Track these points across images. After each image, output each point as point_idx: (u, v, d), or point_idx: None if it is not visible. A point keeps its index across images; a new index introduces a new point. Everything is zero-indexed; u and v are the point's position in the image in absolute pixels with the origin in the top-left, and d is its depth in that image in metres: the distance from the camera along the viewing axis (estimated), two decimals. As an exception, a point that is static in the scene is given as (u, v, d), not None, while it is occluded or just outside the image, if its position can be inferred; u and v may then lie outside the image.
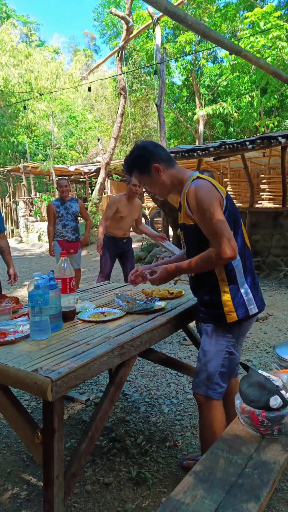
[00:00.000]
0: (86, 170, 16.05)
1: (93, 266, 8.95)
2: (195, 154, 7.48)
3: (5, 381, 1.41)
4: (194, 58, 17.42)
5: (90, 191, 17.07)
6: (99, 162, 14.99)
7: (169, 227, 8.89)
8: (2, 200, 16.64)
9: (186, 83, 19.71)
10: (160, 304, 2.07)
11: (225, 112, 15.20)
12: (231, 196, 10.28)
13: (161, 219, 10.11)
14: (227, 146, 6.92)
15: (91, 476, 2.01)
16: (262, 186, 9.41)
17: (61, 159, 20.54)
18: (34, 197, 15.93)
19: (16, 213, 16.31)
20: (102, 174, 13.00)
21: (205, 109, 15.66)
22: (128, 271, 4.40)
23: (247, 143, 6.64)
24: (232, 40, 13.12)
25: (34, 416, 2.56)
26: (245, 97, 15.12)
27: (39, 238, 14.14)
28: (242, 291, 1.70)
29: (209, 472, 1.31)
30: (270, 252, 7.19)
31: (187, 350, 3.75)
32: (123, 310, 1.99)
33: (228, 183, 10.60)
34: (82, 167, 16.33)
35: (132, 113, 19.41)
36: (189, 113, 19.66)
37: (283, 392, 1.54)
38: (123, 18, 10.94)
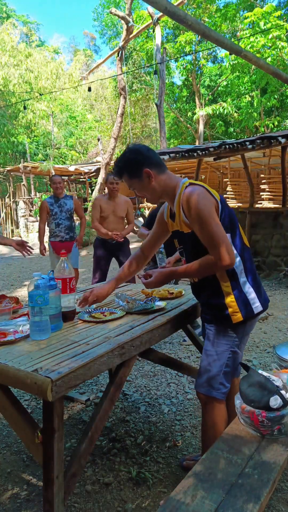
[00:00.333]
0: (86, 170, 16.06)
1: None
2: (195, 154, 7.47)
3: (5, 381, 1.41)
4: (194, 58, 17.43)
5: (90, 191, 17.08)
6: (99, 162, 15.00)
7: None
8: (2, 200, 16.64)
9: (186, 83, 19.72)
10: (160, 304, 2.07)
11: (225, 112, 15.20)
12: (231, 196, 10.31)
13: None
14: (227, 146, 6.92)
15: (91, 476, 2.01)
16: (262, 186, 9.40)
17: (61, 159, 20.55)
18: (34, 197, 15.94)
19: (16, 213, 16.31)
20: (102, 174, 13.00)
21: (205, 109, 15.66)
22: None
23: (247, 143, 6.64)
24: (232, 40, 13.12)
25: (34, 416, 2.56)
26: (245, 97, 15.12)
27: (39, 238, 14.11)
28: (245, 291, 1.71)
29: (209, 472, 1.31)
30: (270, 252, 7.19)
31: (187, 350, 3.75)
32: (123, 310, 1.99)
33: (228, 183, 10.59)
34: (82, 167, 16.34)
35: (132, 113, 19.42)
36: (189, 113, 19.67)
37: (283, 392, 1.54)
38: (123, 18, 10.95)
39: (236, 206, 9.26)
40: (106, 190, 4.34)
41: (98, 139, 14.94)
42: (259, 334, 4.19)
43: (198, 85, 18.35)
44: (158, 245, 2.08)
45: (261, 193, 9.29)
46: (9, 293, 6.50)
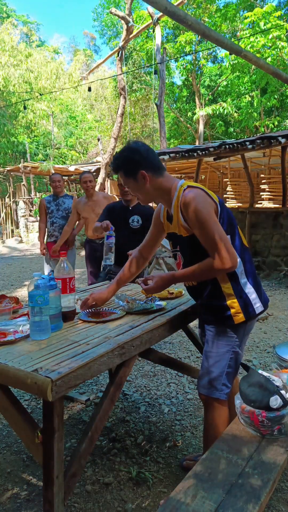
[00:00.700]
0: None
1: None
2: (195, 154, 7.47)
3: (5, 381, 1.41)
4: (194, 58, 17.43)
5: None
6: (99, 162, 14.99)
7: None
8: (2, 200, 16.64)
9: (186, 83, 19.72)
10: (160, 304, 2.07)
11: (225, 112, 15.20)
12: (231, 196, 10.30)
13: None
14: (227, 146, 6.92)
15: (91, 476, 2.01)
16: (262, 186, 9.39)
17: (61, 159, 20.55)
18: (34, 197, 15.93)
19: (16, 213, 16.31)
20: (102, 174, 12.99)
21: (205, 109, 15.66)
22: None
23: (247, 143, 6.64)
24: (232, 40, 13.12)
25: (34, 416, 2.55)
26: (245, 97, 15.12)
27: (39, 238, 14.12)
28: (246, 291, 1.71)
29: (209, 472, 1.31)
30: (270, 252, 7.19)
31: (187, 350, 3.75)
32: (123, 310, 1.99)
33: (228, 183, 10.59)
34: (82, 167, 16.32)
35: (132, 113, 19.42)
36: (189, 113, 19.67)
37: (283, 392, 1.54)
38: (123, 18, 10.95)
39: (236, 206, 9.25)
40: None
41: (98, 139, 14.94)
42: (259, 334, 4.19)
43: (198, 85, 18.36)
44: (156, 246, 2.08)
45: (261, 193, 9.28)
46: (9, 293, 6.50)
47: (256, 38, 11.20)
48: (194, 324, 4.25)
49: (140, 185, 1.73)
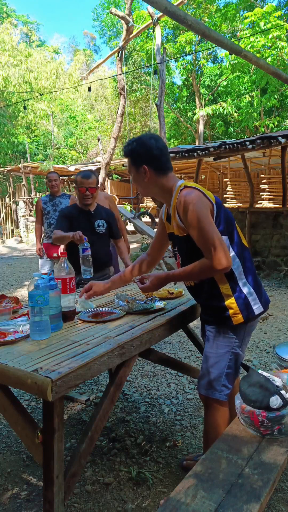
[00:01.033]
0: (86, 170, 16.03)
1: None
2: (195, 154, 7.47)
3: (5, 381, 1.41)
4: (194, 58, 17.44)
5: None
6: (99, 162, 14.99)
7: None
8: (2, 200, 16.64)
9: (186, 83, 19.73)
10: (160, 304, 2.07)
11: (225, 112, 15.20)
12: (231, 196, 10.30)
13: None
14: (227, 146, 6.92)
15: (91, 476, 2.01)
16: (262, 186, 9.40)
17: (61, 159, 20.56)
18: (34, 197, 15.93)
19: (16, 213, 16.31)
20: (102, 174, 12.98)
21: (205, 109, 15.67)
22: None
23: (247, 143, 6.64)
24: (232, 40, 13.12)
25: (34, 416, 2.56)
26: (245, 97, 15.12)
27: (39, 238, 14.12)
28: (245, 292, 1.70)
29: (209, 472, 1.31)
30: (270, 252, 7.19)
31: (187, 350, 3.75)
32: (123, 310, 1.99)
33: (228, 183, 10.59)
34: (82, 167, 16.32)
35: (132, 113, 19.43)
36: (189, 113, 19.68)
37: (283, 392, 1.54)
38: (123, 18, 10.94)
39: (236, 206, 9.25)
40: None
41: (98, 139, 14.92)
42: (259, 334, 4.19)
43: (198, 85, 18.36)
44: (164, 247, 2.06)
45: (261, 193, 9.29)
46: (9, 293, 6.50)
47: (256, 38, 11.20)
48: (194, 324, 4.26)
49: (140, 177, 1.76)
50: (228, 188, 10.44)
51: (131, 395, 2.87)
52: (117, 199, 12.91)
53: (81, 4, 75.05)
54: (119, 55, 11.84)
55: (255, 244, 7.30)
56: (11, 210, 16.46)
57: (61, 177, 5.96)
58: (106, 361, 1.50)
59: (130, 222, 9.48)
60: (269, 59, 11.65)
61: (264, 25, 11.11)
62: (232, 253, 1.69)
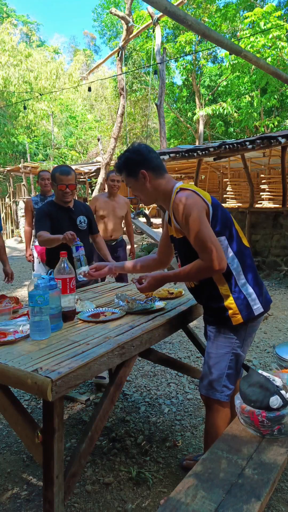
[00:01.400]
0: (86, 170, 16.05)
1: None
2: (195, 154, 7.47)
3: (5, 381, 1.41)
4: (194, 58, 17.43)
5: (90, 191, 17.08)
6: (99, 162, 14.99)
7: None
8: (2, 200, 16.64)
9: (186, 83, 19.73)
10: (160, 304, 2.07)
11: (225, 112, 15.20)
12: (231, 196, 10.30)
13: (160, 218, 10.10)
14: (227, 146, 6.92)
15: (91, 476, 2.01)
16: (262, 186, 9.39)
17: (61, 159, 20.54)
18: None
19: (16, 213, 16.30)
20: (102, 174, 12.99)
21: (205, 109, 15.67)
22: (122, 280, 4.00)
23: (247, 143, 6.64)
24: (232, 40, 13.12)
25: (34, 416, 2.56)
26: (245, 97, 15.12)
27: (39, 238, 14.11)
28: (245, 292, 1.70)
29: (209, 472, 1.31)
30: (270, 252, 7.19)
31: (187, 350, 3.75)
32: (123, 310, 1.99)
33: (228, 183, 10.59)
34: (82, 167, 16.33)
35: (132, 113, 19.42)
36: (189, 113, 19.68)
37: (283, 392, 1.54)
38: (123, 18, 10.94)
39: (236, 206, 9.25)
40: (106, 189, 4.16)
41: (98, 139, 14.92)
42: (259, 334, 4.19)
43: (198, 85, 18.36)
44: (171, 249, 2.04)
45: (261, 193, 9.28)
46: (9, 293, 6.50)
47: (256, 38, 11.20)
48: (194, 324, 4.25)
49: (140, 185, 1.76)
50: (228, 188, 10.44)
51: (131, 395, 2.87)
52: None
53: (81, 4, 75.11)
54: (119, 55, 11.84)
55: (255, 244, 7.30)
56: (11, 210, 16.45)
57: None
58: (106, 361, 1.50)
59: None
60: (269, 59, 11.65)
61: (264, 25, 11.11)
62: (230, 254, 1.69)
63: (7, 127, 19.55)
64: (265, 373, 1.64)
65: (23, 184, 16.36)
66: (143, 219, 11.17)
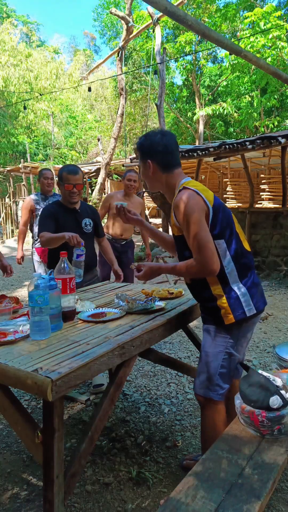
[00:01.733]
0: (86, 170, 16.05)
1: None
2: (195, 154, 7.47)
3: (5, 381, 1.41)
4: (194, 58, 17.43)
5: (90, 191, 17.08)
6: (99, 162, 15.00)
7: (169, 227, 8.88)
8: (2, 200, 16.63)
9: (186, 83, 19.72)
10: (160, 304, 2.07)
11: (225, 112, 15.20)
12: (231, 196, 10.29)
13: (160, 218, 10.10)
14: (227, 146, 6.92)
15: (91, 476, 2.01)
16: (262, 186, 9.39)
17: (61, 159, 20.54)
18: (34, 197, 15.89)
19: (16, 213, 16.31)
20: (102, 174, 12.99)
21: (205, 109, 15.67)
22: (127, 280, 3.95)
23: (247, 143, 6.64)
24: (232, 40, 13.12)
25: (34, 416, 2.55)
26: (245, 97, 15.12)
27: (39, 238, 14.11)
28: (238, 292, 1.70)
29: (209, 472, 1.31)
30: (270, 252, 7.19)
31: (187, 350, 3.75)
32: (123, 310, 1.99)
33: (228, 183, 10.59)
34: (82, 167, 16.31)
35: (132, 113, 19.42)
36: (189, 113, 19.67)
37: (283, 392, 1.55)
38: (123, 18, 10.95)
39: (236, 206, 9.25)
40: (124, 187, 4.04)
41: (98, 139, 14.93)
42: (259, 334, 4.18)
43: (198, 85, 18.35)
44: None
45: (261, 193, 9.28)
46: (9, 293, 6.50)
47: (256, 38, 11.20)
48: (194, 324, 4.26)
49: (146, 171, 1.82)
50: (228, 188, 10.43)
51: (131, 395, 2.87)
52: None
53: (81, 4, 75.09)
54: (119, 55, 11.85)
55: (255, 244, 7.30)
56: (11, 210, 16.45)
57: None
58: (106, 361, 1.50)
59: None
60: (269, 59, 11.65)
61: (264, 25, 11.11)
62: (227, 257, 1.69)
63: (7, 127, 19.55)
64: (265, 373, 1.64)
65: (23, 184, 16.36)
66: None
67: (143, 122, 20.44)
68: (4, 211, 16.16)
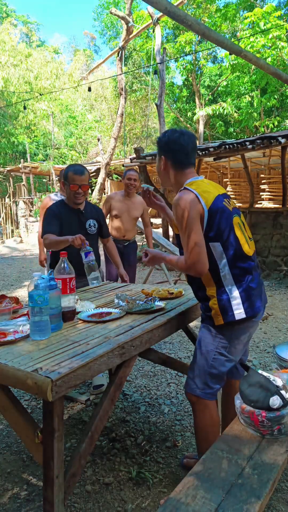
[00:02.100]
0: (86, 170, 16.02)
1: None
2: (195, 154, 7.46)
3: (5, 381, 1.41)
4: (194, 58, 17.43)
5: (90, 191, 17.08)
6: (99, 162, 15.00)
7: (169, 226, 8.88)
8: (2, 200, 16.63)
9: (186, 83, 19.72)
10: (160, 304, 2.07)
11: (225, 112, 15.20)
12: (231, 196, 10.29)
13: (160, 218, 10.10)
14: (227, 146, 6.92)
15: (91, 476, 2.01)
16: (262, 186, 9.39)
17: (61, 159, 20.53)
18: (34, 197, 15.92)
19: (16, 213, 16.30)
20: (102, 174, 12.99)
21: (205, 109, 15.67)
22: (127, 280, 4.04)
23: (247, 143, 6.64)
24: (232, 40, 13.12)
25: (34, 416, 2.56)
26: (245, 97, 15.12)
27: (39, 238, 14.09)
28: (230, 295, 1.69)
29: (209, 472, 1.31)
30: (270, 252, 7.19)
31: (187, 350, 3.75)
32: (123, 310, 1.99)
33: (228, 183, 10.59)
34: (82, 167, 16.28)
35: (132, 113, 19.42)
36: (189, 113, 19.67)
37: (283, 392, 1.55)
38: (123, 18, 10.95)
39: (236, 206, 9.25)
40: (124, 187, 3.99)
41: (98, 139, 14.93)
42: (259, 334, 4.19)
43: (198, 85, 18.35)
44: None
45: (261, 193, 9.28)
46: (9, 293, 6.50)
47: (256, 38, 11.20)
48: (194, 324, 4.26)
49: (159, 166, 1.87)
50: (228, 188, 10.43)
51: (131, 395, 2.87)
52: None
53: (81, 4, 75.08)
54: (119, 55, 11.84)
55: (255, 244, 7.30)
56: (11, 210, 16.45)
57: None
58: (106, 361, 1.50)
59: None
60: (269, 59, 11.65)
61: (264, 25, 11.12)
62: (223, 260, 1.69)
63: (7, 127, 19.55)
64: (265, 373, 1.64)
65: (23, 184, 16.35)
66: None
67: (143, 122, 20.43)
68: (4, 211, 16.16)
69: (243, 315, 1.69)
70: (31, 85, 18.74)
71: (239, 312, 1.69)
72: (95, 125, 22.16)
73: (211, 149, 7.27)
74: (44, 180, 19.71)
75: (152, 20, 10.58)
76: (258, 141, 6.55)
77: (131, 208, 4.00)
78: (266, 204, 8.87)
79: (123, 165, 12.86)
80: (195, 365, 1.79)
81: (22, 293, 6.40)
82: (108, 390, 1.65)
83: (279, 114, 17.05)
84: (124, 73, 12.87)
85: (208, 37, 3.48)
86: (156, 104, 10.75)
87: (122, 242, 4.06)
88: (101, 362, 1.47)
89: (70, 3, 76.30)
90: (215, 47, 14.18)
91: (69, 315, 1.89)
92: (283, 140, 6.28)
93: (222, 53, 14.61)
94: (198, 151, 7.44)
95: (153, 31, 10.87)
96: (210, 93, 18.78)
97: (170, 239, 8.25)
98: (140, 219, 4.21)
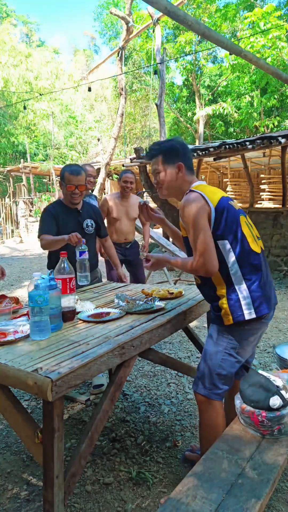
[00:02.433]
0: (86, 170, 16.02)
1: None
2: (195, 154, 7.47)
3: (5, 381, 1.41)
4: (194, 58, 17.43)
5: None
6: (99, 162, 14.99)
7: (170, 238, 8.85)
8: (2, 200, 16.63)
9: (186, 83, 19.73)
10: (160, 304, 2.07)
11: (225, 112, 15.20)
12: (231, 196, 10.29)
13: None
14: (227, 146, 6.92)
15: (91, 476, 2.01)
16: (262, 186, 9.40)
17: (61, 159, 20.54)
18: (34, 197, 15.92)
19: (16, 213, 16.30)
20: (102, 174, 12.99)
21: (205, 109, 15.66)
22: (139, 281, 3.92)
23: (247, 143, 6.64)
24: (232, 40, 13.12)
25: (34, 416, 2.56)
26: (245, 97, 15.12)
27: (39, 238, 14.07)
28: (240, 295, 1.69)
29: (209, 472, 1.31)
30: (270, 252, 7.19)
31: (187, 350, 3.75)
32: (123, 310, 1.99)
33: (228, 183, 10.59)
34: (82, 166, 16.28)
35: (132, 113, 19.42)
36: (189, 113, 19.67)
37: (283, 392, 1.55)
38: (123, 18, 10.94)
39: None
40: (119, 189, 3.94)
41: (98, 139, 14.92)
42: (259, 334, 4.18)
43: (198, 85, 18.35)
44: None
45: (261, 193, 9.29)
46: (9, 293, 6.50)
47: (256, 38, 11.20)
48: (194, 324, 4.26)
49: (171, 174, 1.83)
50: (228, 188, 10.44)
51: (131, 395, 2.87)
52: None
53: (81, 4, 75.01)
54: (119, 55, 11.84)
55: (255, 244, 7.30)
56: (11, 210, 16.45)
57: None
58: (106, 361, 1.50)
59: None
60: (269, 59, 11.65)
61: (264, 25, 11.12)
62: (232, 258, 1.69)
63: (7, 127, 19.55)
64: (265, 373, 1.65)
65: (23, 184, 16.35)
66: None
67: (143, 122, 20.43)
68: (4, 211, 16.16)
69: (253, 315, 1.69)
70: (31, 85, 18.74)
71: (249, 311, 1.69)
72: (95, 125, 22.17)
73: (211, 149, 7.27)
74: (44, 180, 19.73)
75: (152, 20, 10.58)
76: (258, 141, 6.54)
77: (129, 209, 3.96)
78: (266, 204, 8.88)
79: (123, 165, 12.85)
80: (204, 365, 1.78)
81: (22, 293, 6.40)
82: (108, 390, 1.65)
83: (279, 114, 17.05)
84: (124, 73, 12.87)
85: (208, 37, 3.48)
86: (156, 104, 10.75)
87: (124, 245, 3.99)
88: (101, 362, 1.47)
89: (70, 3, 76.30)
90: (215, 47, 14.18)
91: (69, 315, 1.89)
92: (283, 140, 6.28)
93: (222, 53, 14.63)
94: (198, 151, 7.44)
95: (153, 31, 10.87)
96: (210, 93, 18.78)
97: (170, 239, 8.24)
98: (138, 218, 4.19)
